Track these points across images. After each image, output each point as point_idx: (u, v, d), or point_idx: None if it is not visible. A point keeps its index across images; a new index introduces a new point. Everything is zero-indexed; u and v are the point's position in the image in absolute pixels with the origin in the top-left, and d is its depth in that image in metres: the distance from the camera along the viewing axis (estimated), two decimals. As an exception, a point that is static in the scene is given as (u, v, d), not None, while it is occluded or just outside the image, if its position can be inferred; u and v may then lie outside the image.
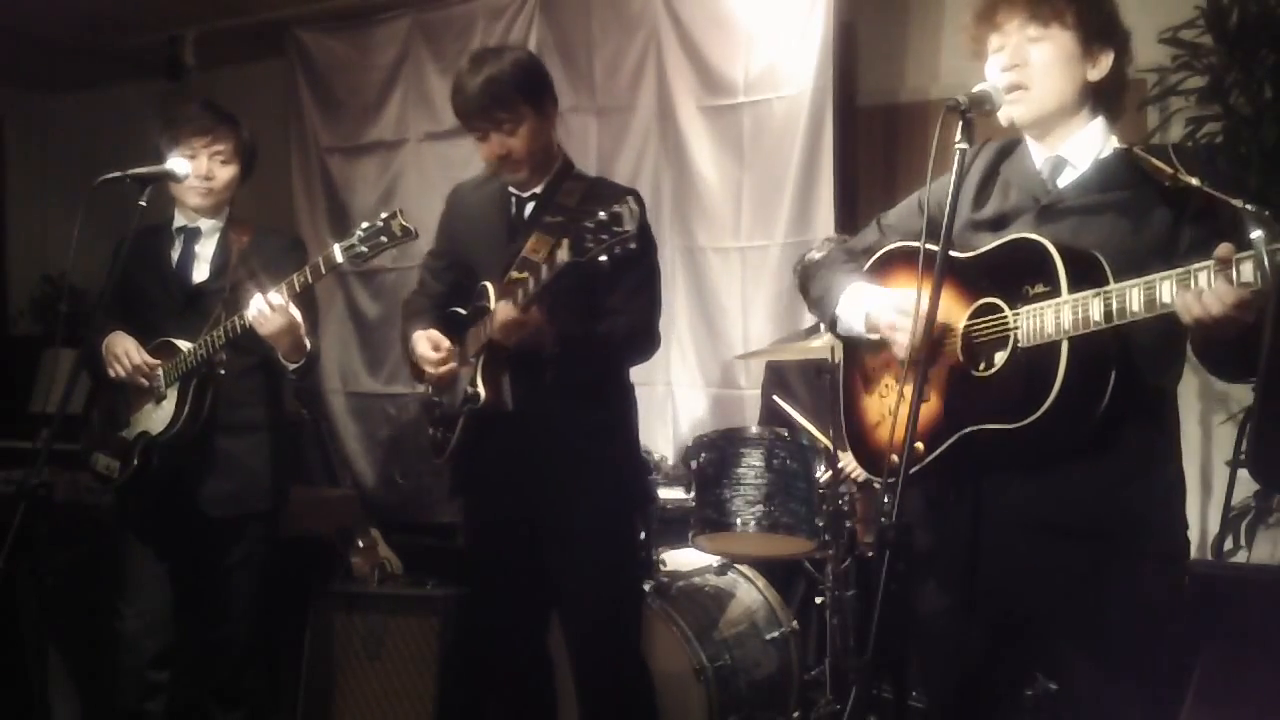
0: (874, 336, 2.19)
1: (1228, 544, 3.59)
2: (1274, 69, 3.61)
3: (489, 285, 2.81)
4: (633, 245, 2.46)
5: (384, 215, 2.86)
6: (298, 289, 2.95)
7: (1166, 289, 1.77)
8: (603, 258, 2.45)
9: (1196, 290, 1.73)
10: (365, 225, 2.86)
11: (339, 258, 2.88)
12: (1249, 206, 1.75)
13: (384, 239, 2.84)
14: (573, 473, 2.80)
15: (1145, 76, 3.80)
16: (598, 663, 2.90)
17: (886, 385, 2.22)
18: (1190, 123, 3.72)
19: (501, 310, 2.67)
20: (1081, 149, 2.09)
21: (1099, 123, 2.09)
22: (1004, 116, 2.07)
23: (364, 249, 2.85)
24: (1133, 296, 1.81)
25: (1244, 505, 3.60)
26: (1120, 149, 2.07)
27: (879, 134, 4.56)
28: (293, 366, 3.08)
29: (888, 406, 2.20)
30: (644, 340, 2.91)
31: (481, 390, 2.77)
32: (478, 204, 3.02)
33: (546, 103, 2.85)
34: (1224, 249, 1.72)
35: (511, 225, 2.89)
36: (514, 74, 2.78)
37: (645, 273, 2.86)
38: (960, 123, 1.99)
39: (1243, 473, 3.47)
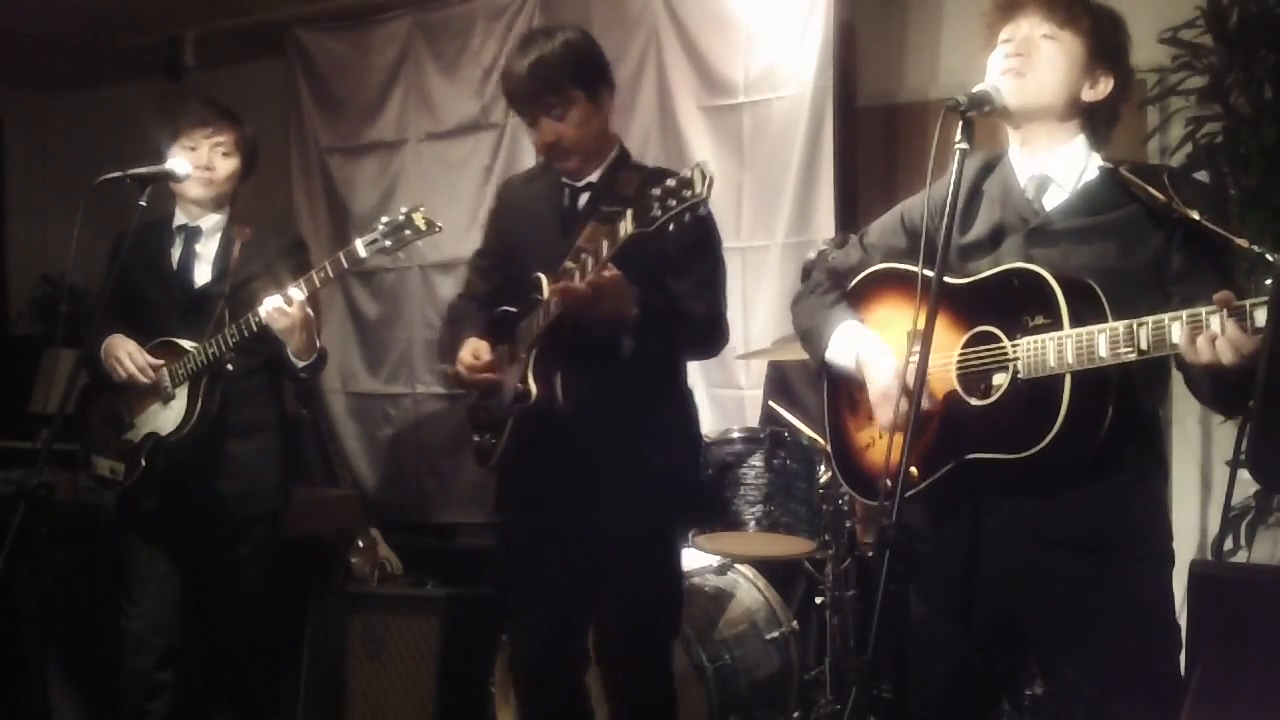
0: (862, 376, 2.18)
1: (1228, 544, 3.59)
2: (1274, 69, 3.61)
3: (543, 277, 2.64)
4: (703, 211, 2.33)
5: (405, 209, 2.85)
6: (318, 285, 2.94)
7: (1177, 330, 1.76)
8: (671, 226, 2.31)
9: (1209, 335, 1.72)
10: (386, 219, 2.86)
11: (363, 253, 2.87)
12: (1255, 248, 1.75)
13: (407, 233, 2.84)
14: (627, 480, 2.65)
15: (1145, 76, 3.80)
16: (628, 675, 2.82)
17: (875, 408, 2.20)
18: (1190, 123, 3.72)
19: (562, 288, 2.50)
20: (1065, 167, 2.09)
21: (1081, 141, 2.10)
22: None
23: (387, 243, 2.85)
24: (1141, 335, 1.80)
25: (1244, 505, 3.60)
26: (1106, 169, 2.07)
27: (879, 134, 4.56)
28: (302, 364, 3.06)
29: (877, 430, 2.19)
30: (717, 332, 2.77)
31: (533, 387, 2.61)
32: (529, 198, 2.88)
33: (599, 87, 2.71)
34: (1224, 295, 1.72)
35: (565, 218, 2.76)
36: (564, 55, 2.64)
37: (714, 264, 2.76)
38: (960, 123, 1.99)
39: (1243, 473, 3.47)
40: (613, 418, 2.66)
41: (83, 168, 5.03)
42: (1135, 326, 1.80)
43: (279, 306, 2.91)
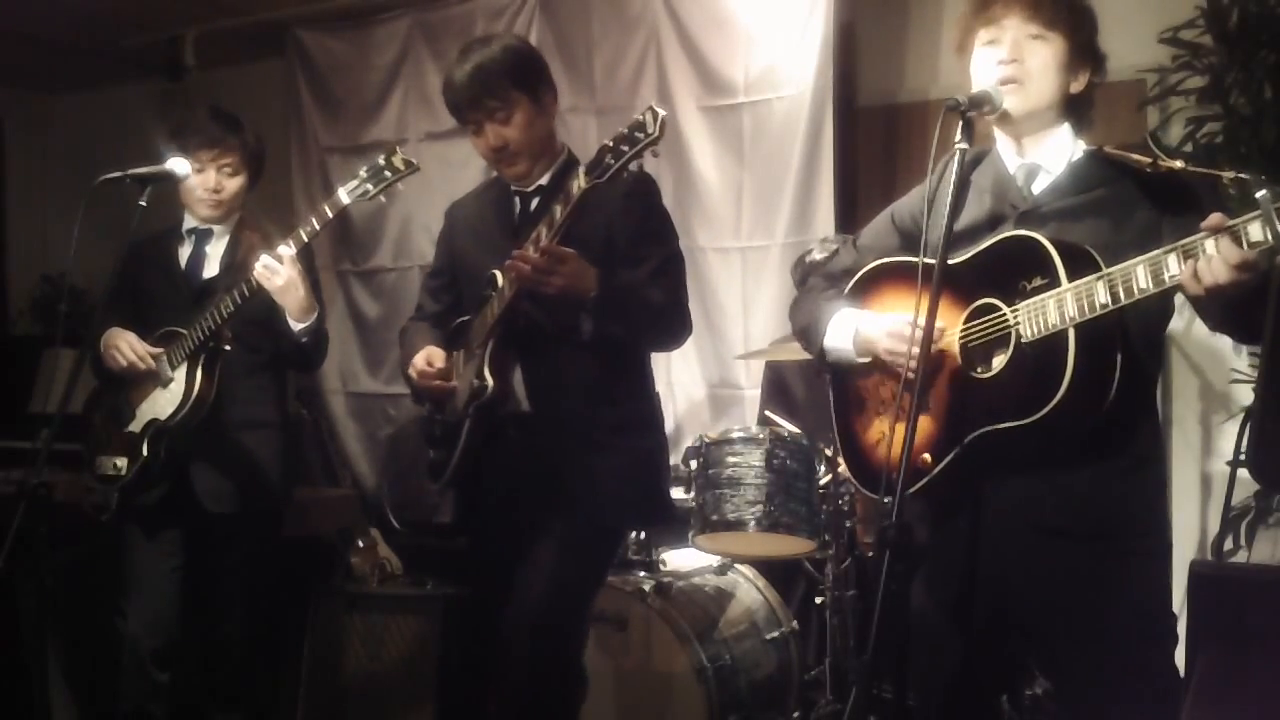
0: (864, 360, 2.19)
1: (1228, 544, 3.59)
2: (1274, 69, 3.61)
3: (497, 273, 2.61)
4: (657, 153, 2.26)
5: (384, 153, 2.84)
6: (305, 239, 2.94)
7: (1173, 261, 1.78)
8: (625, 173, 2.26)
9: (1207, 258, 1.74)
10: (367, 166, 2.85)
11: (345, 199, 2.87)
12: (1243, 176, 1.77)
13: (388, 174, 2.83)
14: (584, 482, 2.60)
15: (1145, 76, 3.81)
16: (523, 665, 2.65)
17: (882, 403, 2.20)
18: (1190, 123, 3.72)
19: (517, 256, 2.42)
20: (1053, 154, 2.11)
21: (1066, 128, 2.12)
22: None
23: (369, 187, 2.84)
24: (1139, 274, 1.81)
25: (1244, 505, 3.60)
26: (1089, 150, 2.09)
27: (879, 134, 4.56)
28: (301, 327, 3.04)
29: (886, 424, 2.19)
30: (677, 320, 2.69)
31: (489, 380, 2.57)
32: (478, 213, 2.88)
33: (541, 90, 2.70)
34: (1216, 217, 1.73)
35: (517, 225, 2.73)
36: (504, 59, 2.64)
37: (668, 254, 2.70)
38: (960, 123, 2.00)
39: (1243, 473, 3.47)
40: (572, 414, 2.62)
41: (83, 168, 5.03)
42: (1132, 266, 1.82)
43: (269, 264, 2.91)
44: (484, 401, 2.60)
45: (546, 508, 2.65)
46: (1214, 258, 1.73)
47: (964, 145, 2.01)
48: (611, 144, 2.29)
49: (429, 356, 2.73)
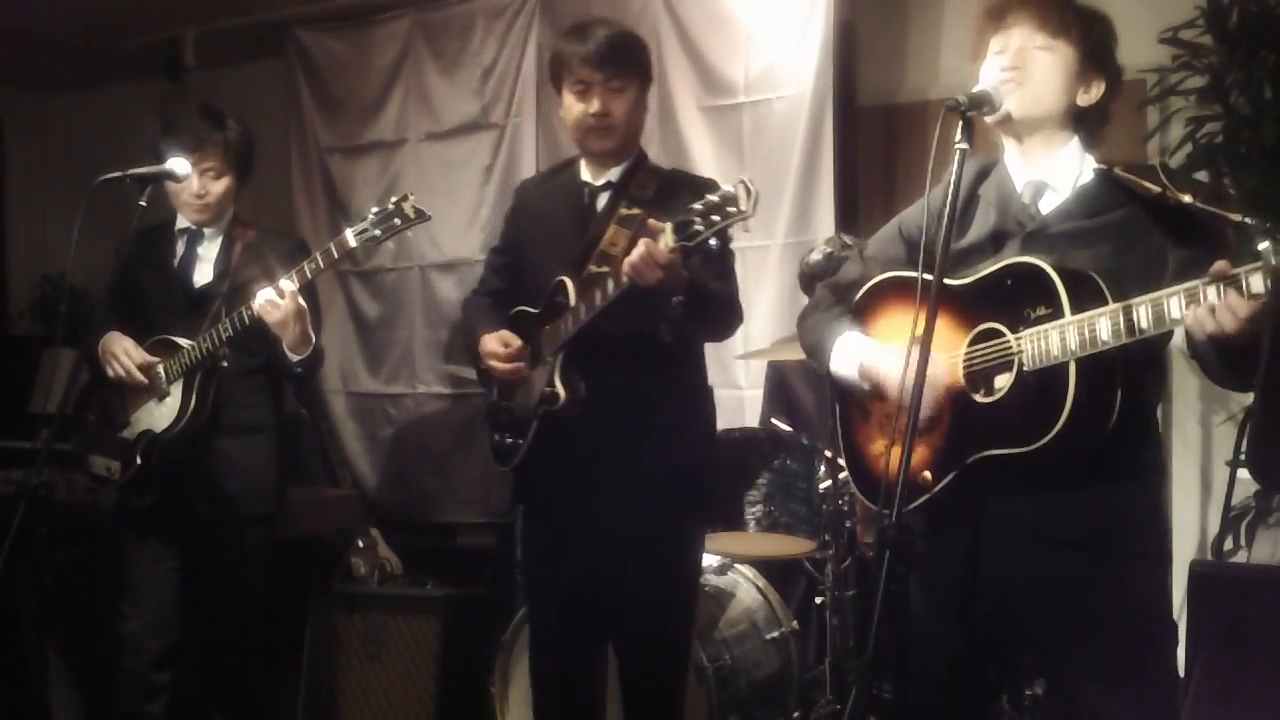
0: (867, 386, 2.18)
1: (1228, 544, 3.59)
2: (1274, 69, 3.61)
3: (567, 281, 2.66)
4: (749, 229, 2.31)
5: (395, 199, 2.83)
6: (309, 276, 2.94)
7: (1175, 305, 1.78)
8: (713, 241, 2.31)
9: (1208, 305, 1.74)
10: (376, 209, 2.84)
11: (352, 242, 2.85)
12: (1249, 220, 1.77)
13: (397, 221, 2.81)
14: (647, 478, 2.66)
15: (1145, 76, 3.81)
16: (647, 679, 2.78)
17: (886, 416, 2.19)
18: (1190, 123, 3.72)
19: (643, 247, 2.39)
20: (1061, 172, 2.10)
21: (1075, 144, 2.11)
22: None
23: (377, 232, 2.82)
24: (1141, 314, 1.81)
25: (1244, 505, 3.60)
26: (1100, 170, 2.08)
27: (879, 134, 4.56)
28: (297, 359, 3.05)
29: (889, 436, 2.19)
30: (733, 310, 2.74)
31: (560, 390, 2.63)
32: (547, 196, 2.90)
33: (648, 85, 2.79)
34: (1221, 265, 1.73)
35: (583, 216, 2.77)
36: (636, 41, 2.75)
37: (721, 245, 2.68)
38: (960, 123, 2.00)
39: (1243, 473, 3.47)
40: (635, 417, 2.67)
41: (83, 168, 5.04)
42: (1134, 306, 1.82)
43: (271, 299, 2.91)
44: (554, 410, 2.66)
45: (608, 508, 2.68)
46: (1218, 307, 1.73)
47: (964, 145, 2.00)
48: (701, 208, 2.30)
49: (504, 338, 2.75)
